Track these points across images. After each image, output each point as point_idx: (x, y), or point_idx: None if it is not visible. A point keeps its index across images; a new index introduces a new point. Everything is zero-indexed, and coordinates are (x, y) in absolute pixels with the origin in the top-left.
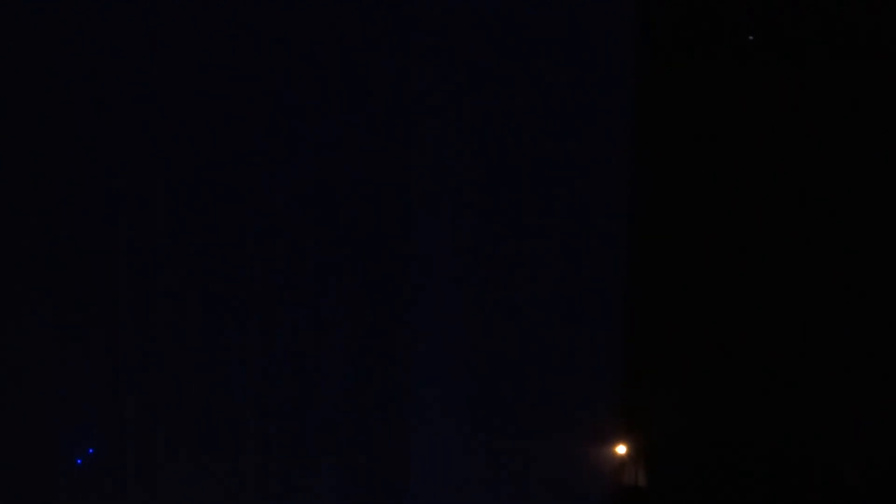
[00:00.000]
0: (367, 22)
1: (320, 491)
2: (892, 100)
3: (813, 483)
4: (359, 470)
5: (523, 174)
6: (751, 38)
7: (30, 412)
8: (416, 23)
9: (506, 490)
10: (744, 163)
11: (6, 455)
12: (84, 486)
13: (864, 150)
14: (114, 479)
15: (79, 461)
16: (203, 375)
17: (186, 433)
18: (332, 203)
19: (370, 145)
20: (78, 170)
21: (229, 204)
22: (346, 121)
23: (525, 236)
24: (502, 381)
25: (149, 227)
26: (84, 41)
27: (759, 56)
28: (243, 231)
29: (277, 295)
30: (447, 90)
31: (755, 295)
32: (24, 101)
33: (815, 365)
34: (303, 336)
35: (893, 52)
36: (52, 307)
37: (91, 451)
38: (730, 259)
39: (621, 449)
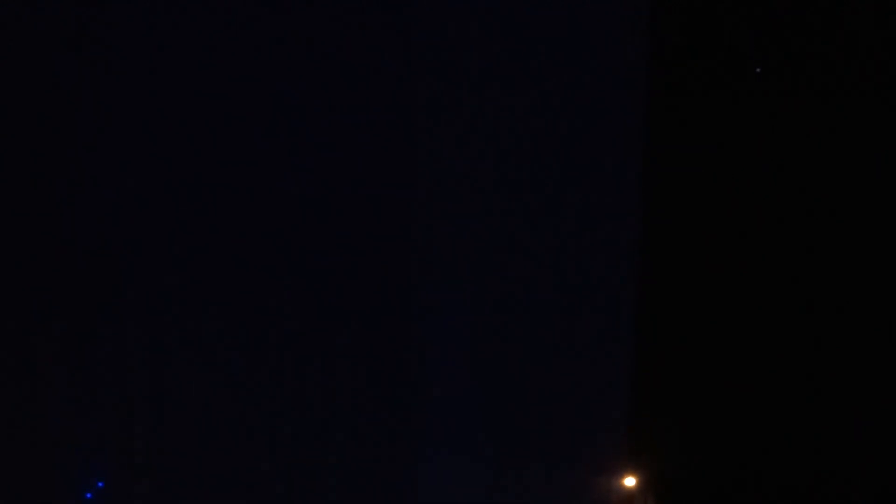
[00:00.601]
0: (376, 23)
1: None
2: None
3: None
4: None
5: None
6: (758, 70)
7: (39, 440)
8: (427, 23)
9: None
10: (757, 180)
11: (15, 487)
12: None
13: (872, 165)
14: None
15: (88, 495)
16: (212, 378)
17: (196, 446)
18: (343, 202)
19: (380, 145)
20: (80, 169)
21: (236, 204)
22: (357, 120)
23: (534, 265)
24: (510, 414)
25: (160, 230)
26: (83, 40)
27: (769, 73)
28: (252, 231)
29: (286, 296)
30: (458, 90)
31: (768, 330)
32: (24, 101)
33: (827, 403)
34: (311, 342)
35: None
36: (57, 323)
37: (101, 484)
38: (742, 293)
39: (629, 481)
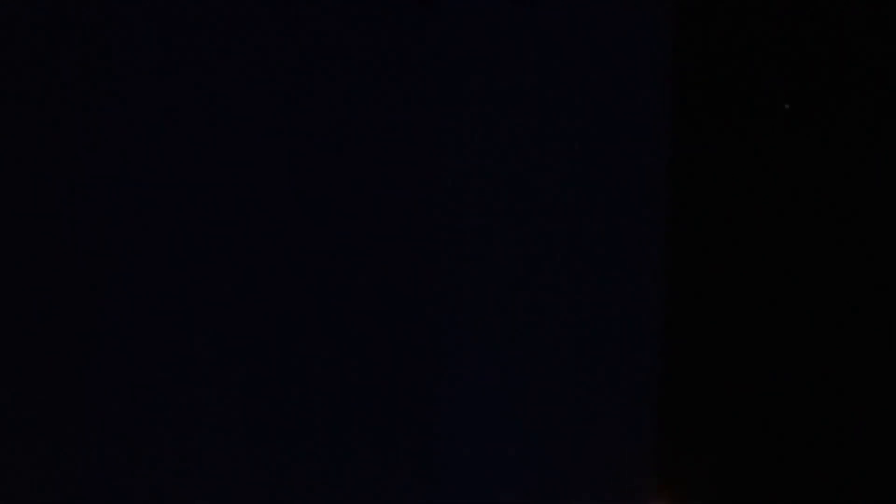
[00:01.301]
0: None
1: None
2: None
3: None
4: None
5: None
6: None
7: (35, 435)
8: (447, 34)
9: None
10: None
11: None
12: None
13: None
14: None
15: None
16: (217, 375)
17: (198, 432)
18: (355, 202)
19: (398, 144)
20: (74, 168)
21: (244, 204)
22: (373, 121)
23: (554, 296)
24: (532, 440)
25: (165, 230)
26: (78, 39)
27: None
28: (259, 231)
29: (298, 294)
30: (479, 94)
31: (793, 360)
32: (22, 101)
33: (852, 435)
34: (323, 344)
35: None
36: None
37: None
38: (768, 322)
39: None
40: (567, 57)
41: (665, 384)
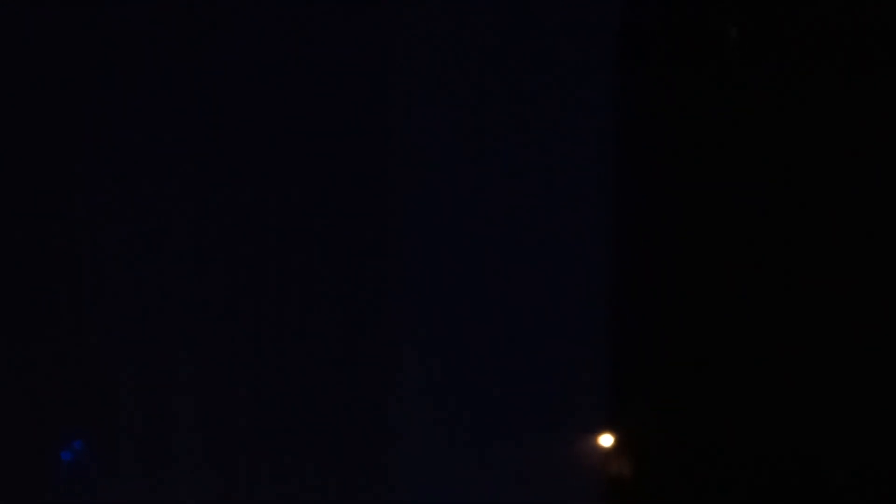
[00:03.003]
0: (358, 24)
1: (302, 487)
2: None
3: (800, 479)
4: (343, 462)
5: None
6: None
7: (17, 398)
8: (407, 25)
9: (492, 483)
10: (731, 160)
11: None
12: (72, 480)
13: (856, 148)
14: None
15: (66, 455)
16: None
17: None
18: (318, 198)
19: (356, 143)
20: (67, 169)
21: (215, 199)
22: (333, 118)
23: (513, 233)
24: (487, 376)
25: (136, 222)
26: (72, 39)
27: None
28: (228, 226)
29: (263, 291)
30: (436, 87)
31: (742, 289)
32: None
33: (804, 363)
34: (286, 338)
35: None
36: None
37: (78, 444)
38: (716, 251)
39: (607, 441)
40: (518, 55)
41: (618, 321)
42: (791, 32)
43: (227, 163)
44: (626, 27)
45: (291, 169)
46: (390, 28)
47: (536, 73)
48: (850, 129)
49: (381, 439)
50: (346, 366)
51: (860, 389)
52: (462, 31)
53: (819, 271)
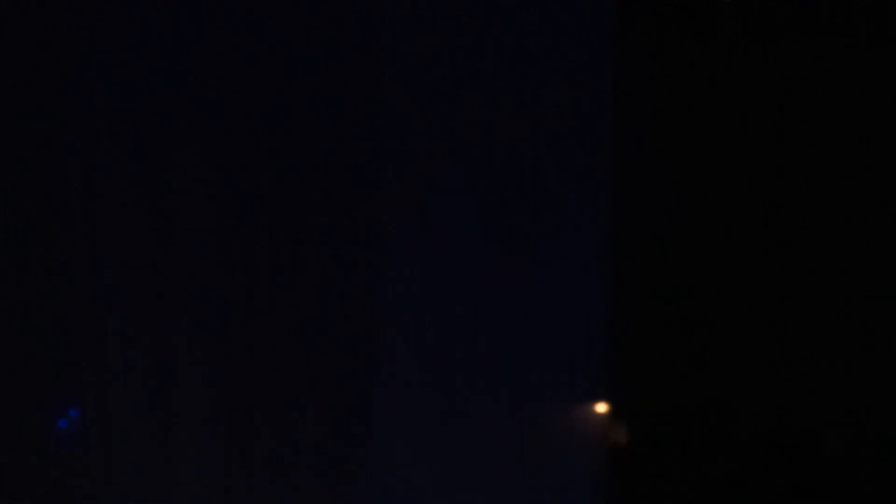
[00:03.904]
0: (345, 22)
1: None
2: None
3: (795, 446)
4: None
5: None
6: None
7: (12, 366)
8: (395, 22)
9: (487, 452)
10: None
11: None
12: (69, 449)
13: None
14: (97, 446)
15: (62, 423)
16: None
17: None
18: (303, 195)
19: (345, 138)
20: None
21: (204, 195)
22: (319, 117)
23: (509, 203)
24: (482, 343)
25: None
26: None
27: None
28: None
29: (250, 286)
30: (424, 85)
31: (738, 258)
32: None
33: (799, 329)
34: (268, 321)
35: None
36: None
37: (74, 412)
38: (713, 218)
39: (605, 408)
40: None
41: (615, 288)
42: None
43: (218, 157)
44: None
45: (279, 163)
46: (379, 18)
47: (530, 52)
48: (852, 102)
49: (371, 404)
50: (336, 326)
51: (862, 364)
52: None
53: (821, 244)
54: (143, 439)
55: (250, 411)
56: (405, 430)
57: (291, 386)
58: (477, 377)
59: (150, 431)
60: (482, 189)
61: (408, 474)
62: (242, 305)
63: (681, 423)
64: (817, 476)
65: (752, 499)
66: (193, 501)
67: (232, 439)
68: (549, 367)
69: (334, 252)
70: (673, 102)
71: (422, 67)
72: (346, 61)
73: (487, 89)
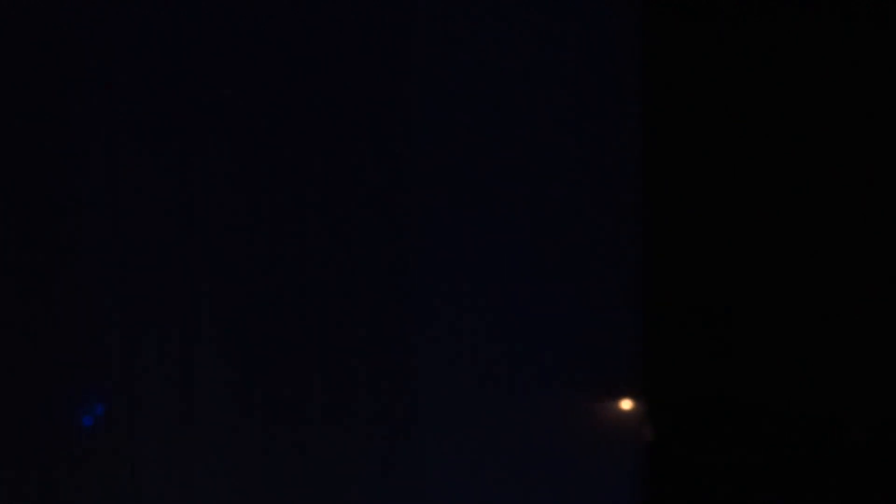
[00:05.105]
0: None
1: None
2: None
3: (819, 440)
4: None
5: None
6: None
7: (38, 363)
8: (418, 23)
9: (518, 448)
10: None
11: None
12: (92, 448)
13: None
14: (122, 443)
15: (87, 421)
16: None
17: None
18: (333, 200)
19: (372, 143)
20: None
21: (227, 200)
22: (349, 118)
23: (547, 199)
24: (514, 341)
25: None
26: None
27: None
28: (240, 228)
29: (279, 294)
30: (451, 87)
31: (767, 258)
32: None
33: (824, 325)
34: (305, 335)
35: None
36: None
37: (100, 410)
38: (745, 219)
39: (637, 407)
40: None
41: (648, 291)
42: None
43: (237, 159)
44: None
45: (307, 165)
46: (406, 18)
47: (558, 51)
48: (870, 95)
49: (409, 393)
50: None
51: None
52: (481, 28)
53: (847, 243)
54: (167, 439)
55: (288, 417)
56: (438, 427)
57: (326, 390)
58: (509, 374)
59: (174, 432)
60: (515, 192)
61: (443, 470)
62: (280, 315)
63: (710, 418)
64: (845, 469)
65: (780, 491)
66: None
67: (262, 446)
68: (581, 365)
69: (369, 255)
70: (704, 111)
71: (459, 78)
72: (386, 70)
73: (515, 100)
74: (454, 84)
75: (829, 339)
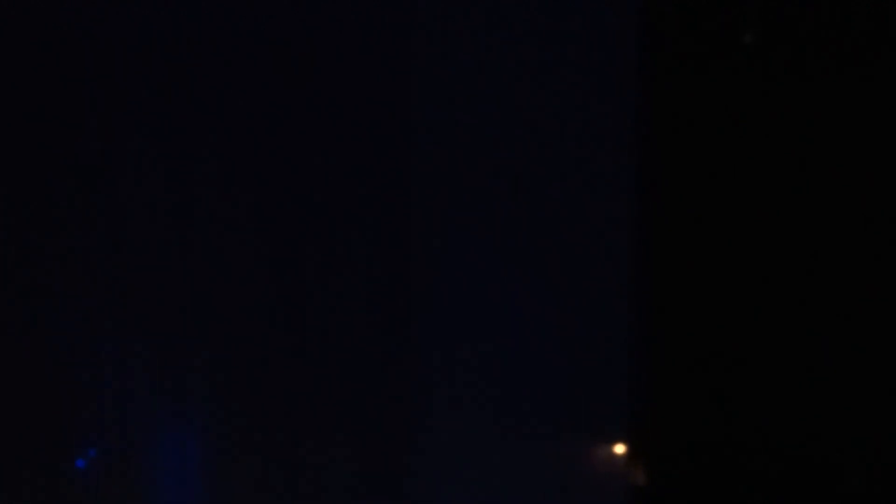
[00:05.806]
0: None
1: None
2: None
3: (815, 483)
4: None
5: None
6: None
7: (32, 408)
8: (418, 23)
9: (512, 489)
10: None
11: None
12: (87, 489)
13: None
14: (116, 483)
15: (80, 463)
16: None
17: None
18: (336, 202)
19: (374, 144)
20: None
21: (232, 201)
22: (349, 118)
23: (532, 237)
24: (509, 381)
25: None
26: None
27: (763, 56)
28: (246, 228)
29: (283, 297)
30: (451, 88)
31: (763, 295)
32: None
33: (820, 365)
34: (307, 339)
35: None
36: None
37: (92, 452)
38: (739, 259)
39: (628, 449)
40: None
41: (640, 327)
42: (810, 36)
43: (241, 159)
44: (646, 28)
45: (309, 165)
46: (408, 18)
47: (557, 71)
48: (870, 132)
49: (401, 437)
50: (370, 365)
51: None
52: (480, 30)
53: (847, 274)
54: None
55: (288, 436)
56: (432, 462)
57: (324, 413)
58: (497, 414)
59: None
60: (507, 211)
61: None
62: (282, 328)
63: (701, 462)
64: None
65: None
66: None
67: (271, 464)
68: (568, 407)
69: (369, 255)
70: (704, 111)
71: (459, 78)
72: (386, 70)
73: (513, 107)
74: (454, 84)
75: (823, 384)
